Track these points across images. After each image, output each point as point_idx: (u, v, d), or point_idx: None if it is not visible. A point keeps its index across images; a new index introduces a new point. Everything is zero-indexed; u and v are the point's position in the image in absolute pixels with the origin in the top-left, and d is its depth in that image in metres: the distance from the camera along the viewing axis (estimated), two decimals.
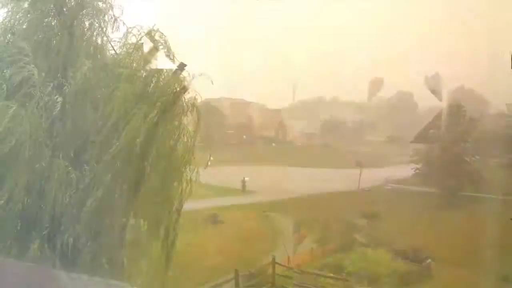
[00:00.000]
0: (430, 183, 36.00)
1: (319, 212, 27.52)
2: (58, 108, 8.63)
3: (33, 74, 8.16)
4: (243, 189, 37.07)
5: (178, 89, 9.62)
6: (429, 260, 20.75)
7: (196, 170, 9.46)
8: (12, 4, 9.45)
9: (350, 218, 26.89)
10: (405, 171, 40.28)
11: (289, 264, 19.40)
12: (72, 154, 9.34)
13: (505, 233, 19.69)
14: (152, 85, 9.65)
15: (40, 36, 9.26)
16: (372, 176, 41.03)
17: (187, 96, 9.72)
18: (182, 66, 9.88)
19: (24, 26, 9.32)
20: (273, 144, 72.48)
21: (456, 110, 37.57)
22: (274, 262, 18.24)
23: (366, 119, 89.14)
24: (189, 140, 9.76)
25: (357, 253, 21.27)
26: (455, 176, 33.91)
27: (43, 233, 8.46)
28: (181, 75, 9.80)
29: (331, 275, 18.61)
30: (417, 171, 37.13)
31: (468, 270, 19.68)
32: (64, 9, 9.70)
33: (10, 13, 9.44)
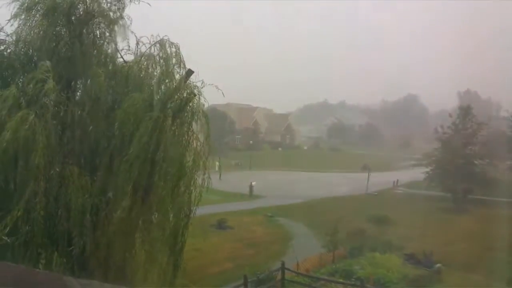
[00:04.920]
0: (439, 186, 35.77)
1: (326, 216, 27.42)
2: (72, 117, 8.79)
3: (49, 85, 8.28)
4: (250, 194, 37.00)
5: (186, 95, 9.71)
6: (438, 264, 20.59)
7: (207, 175, 9.46)
8: (23, 15, 9.59)
9: (358, 222, 26.76)
10: (414, 174, 40.07)
11: (298, 269, 19.30)
12: (82, 161, 9.47)
13: None
14: (161, 92, 9.77)
15: (52, 45, 9.40)
16: (381, 180, 40.88)
17: (195, 102, 9.79)
18: (189, 73, 10.00)
19: (36, 36, 9.46)
20: (280, 149, 72.46)
21: (464, 113, 37.40)
22: (283, 268, 18.16)
23: (373, 123, 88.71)
24: (198, 146, 9.83)
25: (366, 258, 21.12)
26: (464, 180, 33.67)
27: (57, 239, 8.57)
28: (188, 82, 9.91)
29: (341, 280, 18.47)
30: (426, 174, 36.87)
31: (478, 274, 19.53)
32: (73, 18, 9.84)
33: (22, 23, 9.60)
